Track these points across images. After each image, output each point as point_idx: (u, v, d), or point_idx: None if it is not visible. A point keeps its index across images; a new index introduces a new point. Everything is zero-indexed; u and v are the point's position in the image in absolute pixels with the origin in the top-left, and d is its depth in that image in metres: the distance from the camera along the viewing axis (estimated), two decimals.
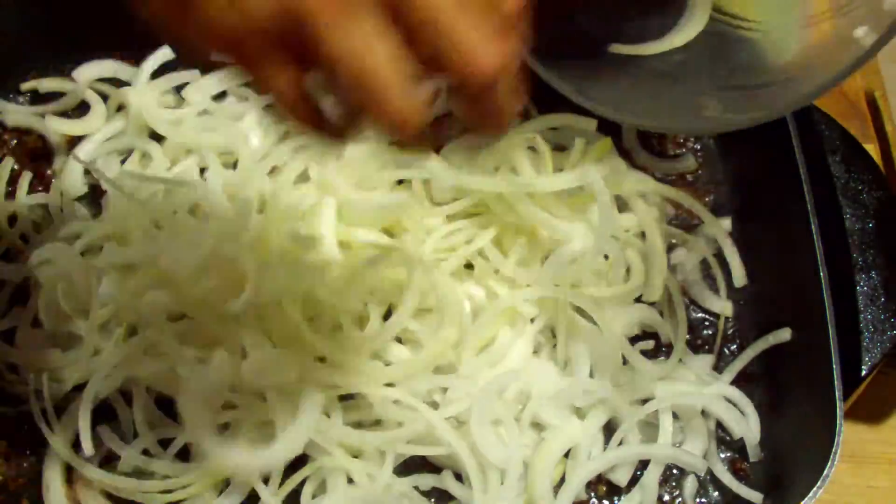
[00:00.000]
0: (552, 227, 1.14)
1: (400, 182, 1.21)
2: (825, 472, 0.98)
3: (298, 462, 1.04)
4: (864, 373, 1.07)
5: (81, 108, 1.33)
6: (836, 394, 1.02)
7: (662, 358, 1.19)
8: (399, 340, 1.12)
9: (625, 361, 1.15)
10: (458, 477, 1.07)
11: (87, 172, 1.25)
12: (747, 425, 1.13)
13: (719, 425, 1.15)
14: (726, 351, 1.22)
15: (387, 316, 1.10)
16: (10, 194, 1.25)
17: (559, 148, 1.30)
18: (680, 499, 1.11)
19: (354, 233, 1.14)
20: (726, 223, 1.29)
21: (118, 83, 1.34)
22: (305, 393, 1.00)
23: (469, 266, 1.16)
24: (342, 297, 1.07)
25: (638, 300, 1.20)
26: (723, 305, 1.23)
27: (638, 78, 1.03)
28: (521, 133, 1.22)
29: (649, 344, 1.18)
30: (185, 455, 1.06)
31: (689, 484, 1.11)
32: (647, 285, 1.20)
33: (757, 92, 1.02)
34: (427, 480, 1.07)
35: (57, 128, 1.29)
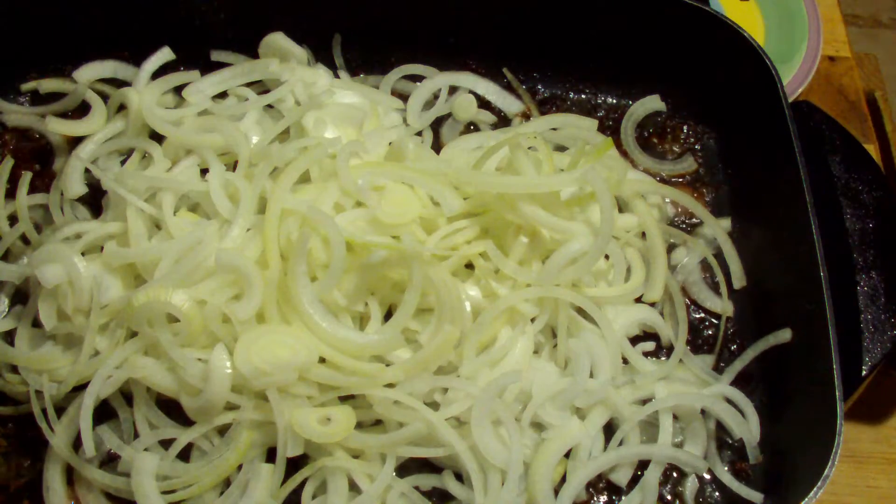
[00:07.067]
0: (552, 226, 1.14)
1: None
2: (825, 472, 0.98)
3: (299, 462, 1.04)
4: (864, 373, 1.07)
5: (82, 109, 1.33)
6: (837, 394, 1.02)
7: (663, 358, 1.19)
8: None
9: (625, 361, 1.15)
10: (459, 477, 1.07)
11: (87, 172, 1.25)
12: (747, 426, 1.13)
13: (719, 426, 1.15)
14: (726, 351, 1.22)
15: (387, 316, 1.10)
16: (10, 194, 1.25)
17: (559, 148, 1.30)
18: (680, 499, 1.11)
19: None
20: (726, 223, 1.29)
21: (118, 83, 1.34)
22: None
23: (469, 266, 1.16)
24: None
25: (638, 300, 1.20)
26: (723, 306, 1.23)
27: None
28: (521, 133, 1.22)
29: (650, 345, 1.19)
30: (185, 455, 1.06)
31: (690, 484, 1.11)
32: (648, 285, 1.20)
33: None
34: (427, 480, 1.07)
35: (57, 128, 1.29)
